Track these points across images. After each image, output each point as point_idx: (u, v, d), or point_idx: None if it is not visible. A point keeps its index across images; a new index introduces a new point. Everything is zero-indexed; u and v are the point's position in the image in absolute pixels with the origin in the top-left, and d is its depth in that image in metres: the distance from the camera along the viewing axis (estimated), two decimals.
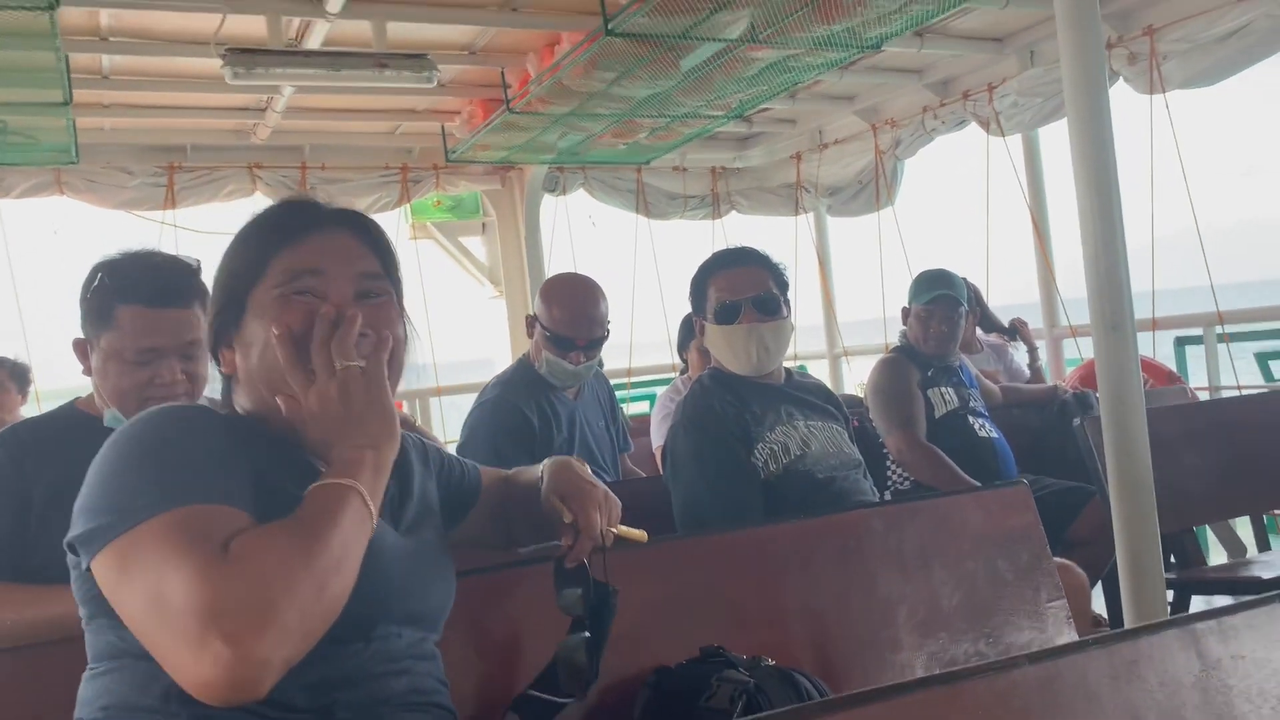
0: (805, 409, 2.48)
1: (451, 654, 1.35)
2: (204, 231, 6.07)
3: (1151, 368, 4.79)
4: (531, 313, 3.05)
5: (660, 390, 5.59)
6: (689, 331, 4.58)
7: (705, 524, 2.21)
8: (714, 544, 1.67)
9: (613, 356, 6.21)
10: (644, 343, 6.93)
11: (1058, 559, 2.47)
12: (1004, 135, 5.49)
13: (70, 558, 1.17)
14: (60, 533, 1.75)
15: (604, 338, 2.97)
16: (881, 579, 1.71)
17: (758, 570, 1.67)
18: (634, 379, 7.24)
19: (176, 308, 1.86)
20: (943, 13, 4.01)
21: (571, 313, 2.91)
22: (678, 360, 5.09)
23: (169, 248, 5.64)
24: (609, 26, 3.86)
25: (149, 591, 1.01)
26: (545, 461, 1.47)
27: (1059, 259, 5.76)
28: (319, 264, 1.24)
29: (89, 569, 1.10)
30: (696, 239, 7.53)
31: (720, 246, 7.28)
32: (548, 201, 6.89)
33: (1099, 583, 3.39)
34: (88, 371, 1.90)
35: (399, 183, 6.36)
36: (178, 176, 5.83)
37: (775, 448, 2.34)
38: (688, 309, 4.68)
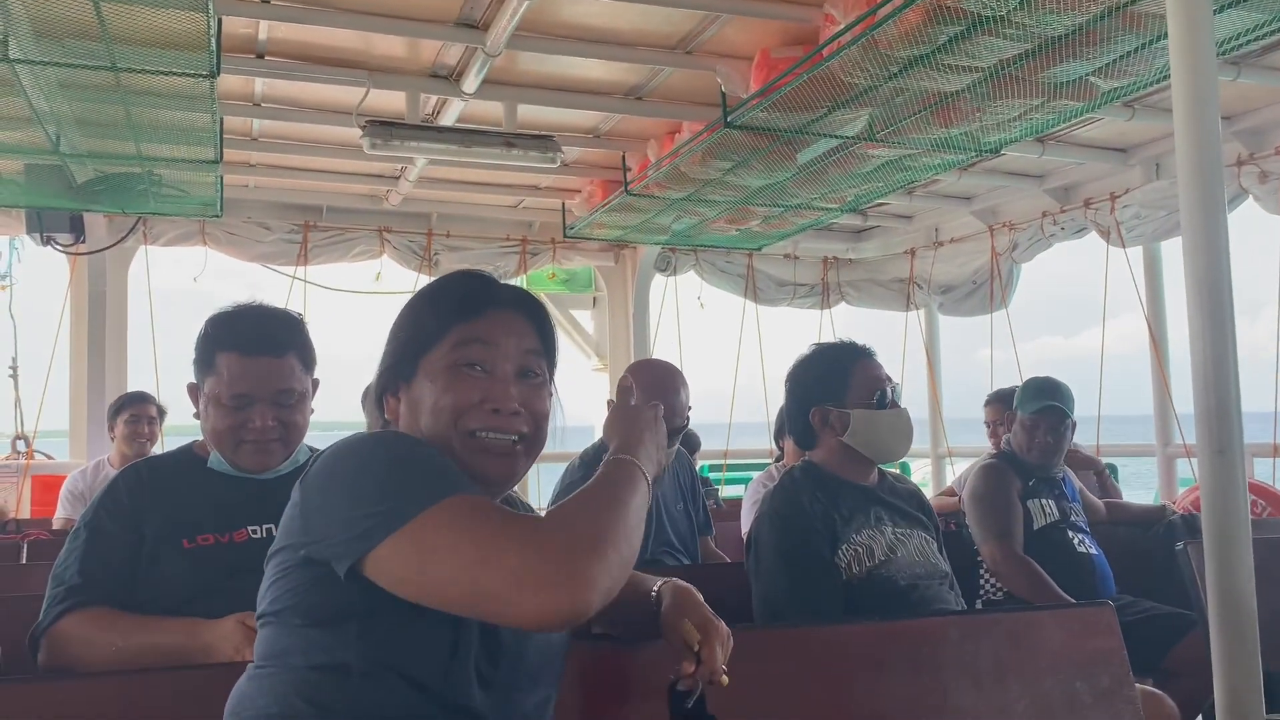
0: (895, 514, 2.44)
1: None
2: (332, 288, 6.38)
3: (1270, 495, 4.59)
4: (611, 397, 3.09)
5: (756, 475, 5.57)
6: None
7: (782, 619, 2.20)
8: (787, 638, 1.68)
9: (710, 438, 6.24)
10: (743, 424, 6.95)
11: (1150, 688, 2.37)
12: (1124, 246, 5.39)
13: (283, 558, 1.27)
14: (168, 566, 1.86)
15: (683, 426, 2.98)
16: (953, 690, 1.68)
17: (829, 670, 1.66)
18: (730, 461, 7.24)
19: (270, 356, 1.95)
20: (1064, 122, 4.01)
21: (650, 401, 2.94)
22: (774, 447, 5.08)
23: (298, 301, 5.94)
24: (728, 119, 3.97)
25: (473, 552, 1.13)
26: (665, 582, 1.52)
27: (1176, 376, 5.59)
28: (490, 337, 1.37)
29: (354, 566, 1.18)
30: (803, 327, 7.56)
31: (828, 336, 7.30)
32: (658, 280, 7.03)
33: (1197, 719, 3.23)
34: (198, 415, 2.02)
35: (518, 254, 6.59)
36: (312, 235, 6.15)
37: (860, 550, 2.31)
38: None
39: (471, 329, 1.36)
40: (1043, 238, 5.98)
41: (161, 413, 4.98)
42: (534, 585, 1.10)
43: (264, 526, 1.94)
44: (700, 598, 1.48)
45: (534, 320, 1.42)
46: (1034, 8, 2.94)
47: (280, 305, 2.14)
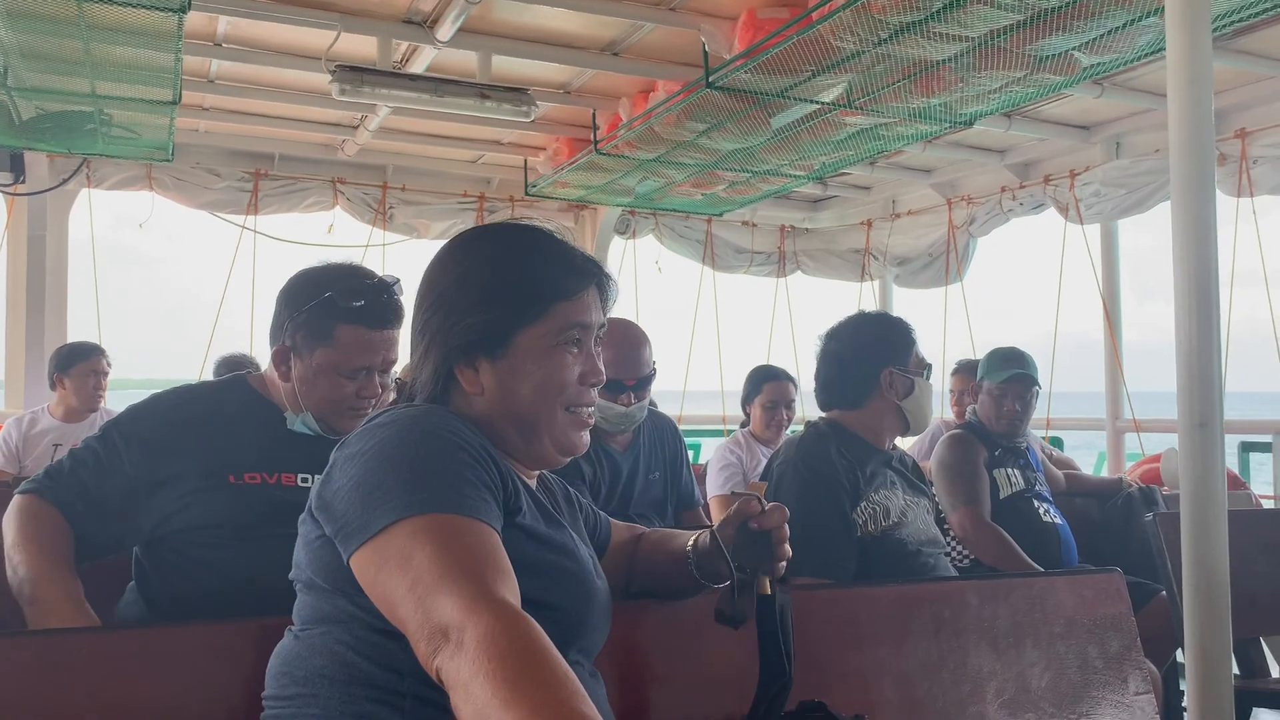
0: (904, 481, 2.50)
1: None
2: (283, 239, 6.20)
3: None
4: None
5: (716, 441, 5.56)
6: (755, 386, 4.58)
7: (792, 569, 2.21)
8: (811, 599, 1.67)
9: (664, 403, 6.21)
10: (695, 391, 6.94)
11: None
12: (1083, 223, 5.48)
13: (309, 528, 1.25)
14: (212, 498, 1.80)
15: (651, 375, 2.96)
16: (973, 653, 1.69)
17: (852, 630, 1.66)
18: (683, 426, 7.22)
19: (389, 329, 1.95)
20: (1041, 97, 4.04)
21: (619, 355, 2.90)
22: (737, 413, 5.08)
23: (246, 252, 5.74)
24: (710, 79, 3.92)
25: (405, 583, 1.07)
26: (698, 534, 1.52)
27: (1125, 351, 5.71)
28: (589, 320, 1.35)
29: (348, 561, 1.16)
30: (756, 296, 7.56)
31: (783, 305, 7.27)
32: (616, 243, 6.96)
33: None
34: (285, 378, 1.95)
35: (475, 210, 6.47)
36: (263, 184, 5.97)
37: (877, 509, 2.36)
38: (747, 360, 4.72)
39: (574, 310, 1.34)
40: (1000, 212, 6.04)
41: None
42: (448, 647, 1.00)
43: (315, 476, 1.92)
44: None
45: (604, 292, 1.41)
46: None
47: (374, 269, 2.06)
